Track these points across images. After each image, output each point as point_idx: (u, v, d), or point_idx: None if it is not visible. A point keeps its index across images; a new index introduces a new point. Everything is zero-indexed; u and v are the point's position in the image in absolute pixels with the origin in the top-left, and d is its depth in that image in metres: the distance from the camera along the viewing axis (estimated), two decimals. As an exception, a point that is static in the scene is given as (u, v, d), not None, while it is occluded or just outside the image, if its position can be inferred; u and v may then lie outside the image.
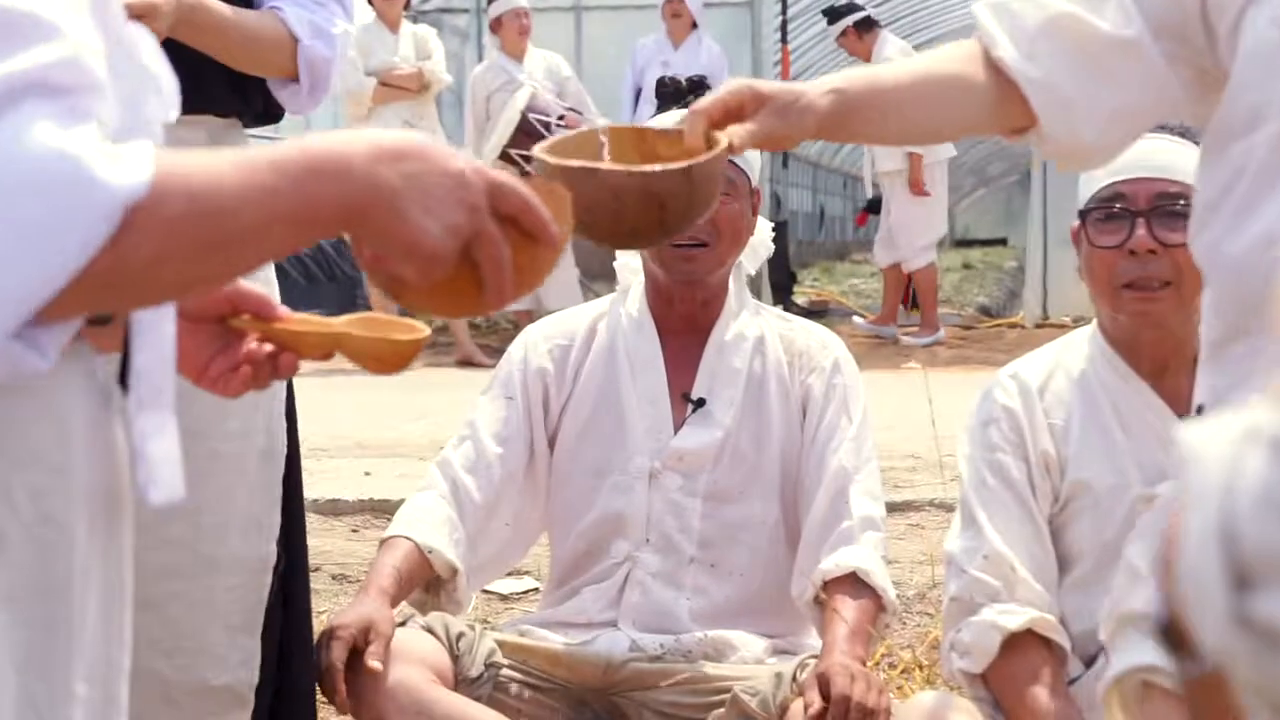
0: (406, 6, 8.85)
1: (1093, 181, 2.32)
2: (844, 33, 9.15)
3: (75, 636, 1.16)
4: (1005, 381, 2.38)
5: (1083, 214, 2.32)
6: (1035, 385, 2.36)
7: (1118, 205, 2.27)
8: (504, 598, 4.00)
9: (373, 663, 2.24)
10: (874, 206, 9.90)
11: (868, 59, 8.92)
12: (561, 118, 8.21)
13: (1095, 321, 2.39)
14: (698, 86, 2.58)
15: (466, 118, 8.89)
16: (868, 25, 9.12)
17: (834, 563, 2.40)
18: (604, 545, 2.53)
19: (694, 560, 2.50)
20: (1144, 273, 2.24)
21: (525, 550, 2.73)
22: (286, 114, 2.43)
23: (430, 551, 2.44)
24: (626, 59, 9.11)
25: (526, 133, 8.17)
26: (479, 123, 8.67)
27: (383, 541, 2.50)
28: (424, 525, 2.47)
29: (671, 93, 2.61)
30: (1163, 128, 2.32)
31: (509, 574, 4.13)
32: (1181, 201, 2.22)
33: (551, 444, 2.60)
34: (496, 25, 8.82)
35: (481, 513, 2.52)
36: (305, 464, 2.49)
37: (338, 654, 2.24)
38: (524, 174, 7.97)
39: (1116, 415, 2.31)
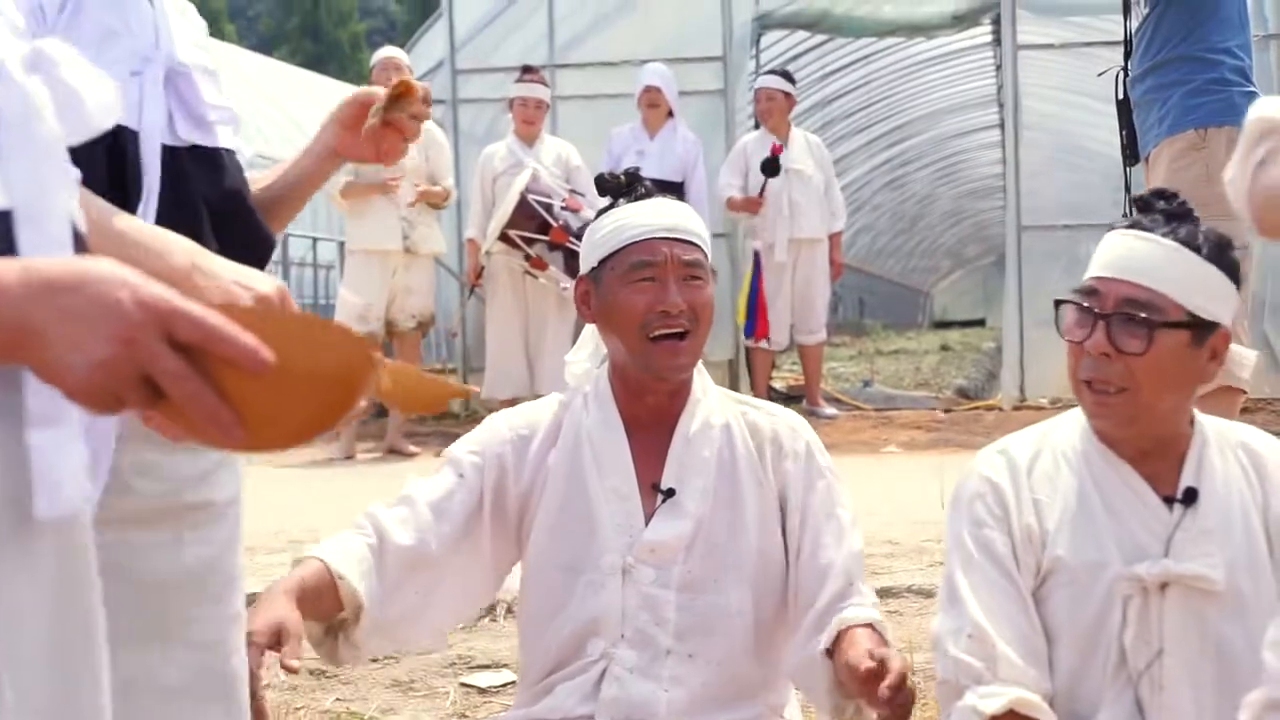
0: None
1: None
2: (782, 96, 9.20)
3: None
4: (992, 457, 2.39)
5: (1058, 303, 2.34)
6: (1023, 461, 2.37)
7: (1086, 302, 2.29)
8: (482, 691, 3.96)
9: (292, 662, 2.16)
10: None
11: (778, 123, 9.15)
12: (564, 202, 8.16)
13: None
14: (635, 180, 2.61)
15: (474, 199, 8.93)
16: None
17: (854, 614, 2.41)
18: (579, 644, 2.50)
19: (671, 652, 2.48)
20: (1099, 374, 2.28)
21: (428, 633, 2.59)
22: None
23: (340, 578, 2.38)
24: (602, 148, 9.13)
25: (527, 215, 8.11)
26: (486, 204, 8.69)
27: (295, 561, 2.43)
28: (339, 555, 2.42)
29: (613, 187, 2.61)
30: (1174, 234, 2.29)
31: (488, 666, 4.10)
32: (1143, 313, 2.24)
33: (513, 535, 2.57)
34: (510, 108, 8.93)
35: (399, 572, 2.47)
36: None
37: (253, 662, 2.12)
38: (526, 256, 7.96)
39: (1100, 494, 2.32)
